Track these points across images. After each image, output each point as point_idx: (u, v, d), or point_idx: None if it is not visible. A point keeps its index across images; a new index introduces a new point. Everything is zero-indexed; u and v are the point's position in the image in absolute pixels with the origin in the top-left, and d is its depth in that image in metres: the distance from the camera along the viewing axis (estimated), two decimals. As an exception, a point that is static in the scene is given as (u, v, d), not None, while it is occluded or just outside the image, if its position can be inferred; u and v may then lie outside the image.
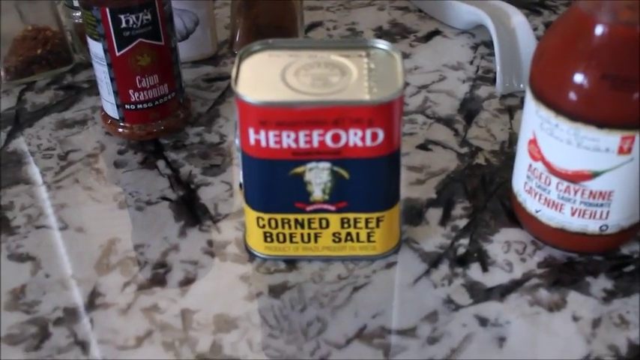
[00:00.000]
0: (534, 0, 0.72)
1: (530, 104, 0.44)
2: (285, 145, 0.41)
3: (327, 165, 0.42)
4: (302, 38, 0.64)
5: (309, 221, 0.44)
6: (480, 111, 0.58)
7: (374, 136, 0.41)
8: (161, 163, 0.54)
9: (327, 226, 0.44)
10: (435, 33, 0.68)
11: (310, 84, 0.42)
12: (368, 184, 0.43)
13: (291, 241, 0.45)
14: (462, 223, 0.49)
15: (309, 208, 0.44)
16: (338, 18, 0.70)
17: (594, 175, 0.43)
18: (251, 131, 0.41)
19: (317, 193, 0.43)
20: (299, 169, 0.42)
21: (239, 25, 0.64)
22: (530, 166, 0.45)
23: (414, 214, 0.50)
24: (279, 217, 0.44)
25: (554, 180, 0.44)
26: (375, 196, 0.44)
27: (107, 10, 0.50)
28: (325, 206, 0.44)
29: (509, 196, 0.50)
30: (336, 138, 0.41)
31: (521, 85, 0.60)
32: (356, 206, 0.44)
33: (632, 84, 0.40)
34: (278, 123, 0.41)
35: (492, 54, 0.64)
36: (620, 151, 0.41)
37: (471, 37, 0.67)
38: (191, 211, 0.50)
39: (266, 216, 0.44)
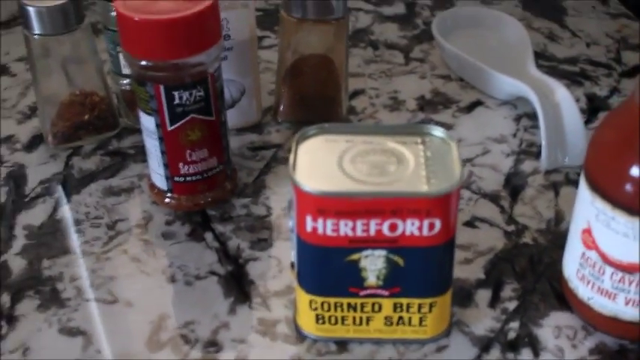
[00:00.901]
0: (574, 70, 0.72)
1: (585, 193, 0.44)
2: (342, 233, 0.42)
3: (382, 253, 0.42)
4: (357, 123, 0.65)
5: (362, 305, 0.44)
6: (525, 187, 0.59)
7: (431, 227, 0.41)
8: (209, 236, 0.55)
9: (380, 310, 0.45)
10: (477, 103, 0.68)
11: (367, 172, 0.42)
12: (422, 271, 0.43)
13: (342, 324, 0.45)
14: (511, 305, 0.49)
15: (362, 293, 0.44)
16: (380, 86, 0.70)
17: (650, 267, 0.43)
18: (308, 219, 0.41)
19: (371, 279, 0.43)
20: (354, 257, 0.42)
21: (283, 94, 0.65)
22: (584, 254, 0.45)
23: (464, 296, 0.50)
24: (332, 300, 0.44)
25: (609, 270, 0.44)
26: (429, 283, 0.44)
27: (161, 87, 0.51)
28: (379, 291, 0.44)
29: (558, 278, 0.50)
30: (393, 227, 0.41)
31: (566, 160, 0.60)
32: (409, 292, 0.44)
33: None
34: (336, 212, 0.41)
35: (535, 127, 0.64)
36: (678, 244, 0.41)
37: (513, 108, 0.67)
38: (240, 287, 0.51)
39: (319, 299, 0.44)
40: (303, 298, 0.45)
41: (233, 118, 0.64)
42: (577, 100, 0.68)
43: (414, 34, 0.79)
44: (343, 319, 0.45)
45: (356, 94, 0.70)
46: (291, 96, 0.65)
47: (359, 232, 0.41)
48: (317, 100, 0.65)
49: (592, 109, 0.67)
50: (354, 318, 0.45)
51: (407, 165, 0.43)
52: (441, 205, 0.41)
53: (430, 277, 0.44)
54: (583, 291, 0.46)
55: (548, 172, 0.60)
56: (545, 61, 0.74)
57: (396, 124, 0.41)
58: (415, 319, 0.45)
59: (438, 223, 0.41)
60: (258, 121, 0.66)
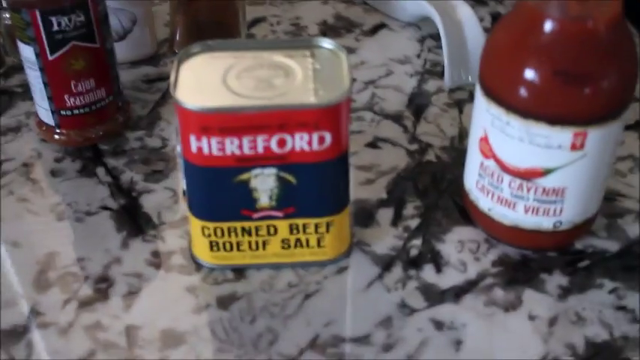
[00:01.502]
0: (479, -10, 0.71)
1: (481, 101, 0.43)
2: (228, 151, 0.39)
3: (273, 171, 0.40)
4: (244, 39, 0.62)
5: (257, 229, 0.43)
6: (429, 106, 0.57)
7: (321, 140, 0.39)
8: (100, 171, 0.52)
9: (276, 232, 0.43)
10: (381, 26, 0.66)
11: (253, 87, 0.40)
12: (316, 188, 0.41)
13: (238, 250, 0.44)
14: (413, 223, 0.48)
15: (256, 216, 0.42)
16: (281, 13, 0.68)
17: (547, 172, 0.42)
18: (192, 138, 0.39)
19: (264, 200, 0.42)
20: (244, 176, 0.41)
21: (179, 23, 0.62)
22: (482, 164, 0.44)
23: (365, 216, 0.48)
24: (225, 225, 0.42)
25: (507, 178, 0.43)
26: (324, 201, 0.42)
27: (37, 12, 0.48)
28: (273, 213, 0.42)
29: (461, 193, 0.49)
30: (281, 143, 0.39)
31: (470, 79, 0.59)
32: (304, 212, 0.42)
33: (583, 80, 0.39)
34: (220, 129, 0.39)
35: (439, 47, 0.63)
36: (573, 147, 0.41)
37: (418, 29, 0.66)
38: (133, 220, 0.48)
39: (211, 225, 0.42)
40: (195, 225, 0.43)
41: (126, 50, 0.61)
42: (481, 20, 0.67)
43: (317, -40, 0.76)
44: (238, 244, 0.43)
45: (257, 21, 0.67)
46: (187, 24, 0.62)
47: (246, 150, 0.39)
48: (214, 27, 0.62)
49: (497, 27, 0.66)
50: (250, 243, 0.43)
51: (294, 78, 0.41)
52: (329, 116, 0.39)
53: (325, 194, 0.42)
54: (483, 202, 0.45)
55: (452, 90, 0.59)
56: (450, -17, 0.72)
57: (285, 38, 0.39)
58: (313, 240, 0.43)
59: (328, 137, 0.39)
60: (153, 53, 0.63)
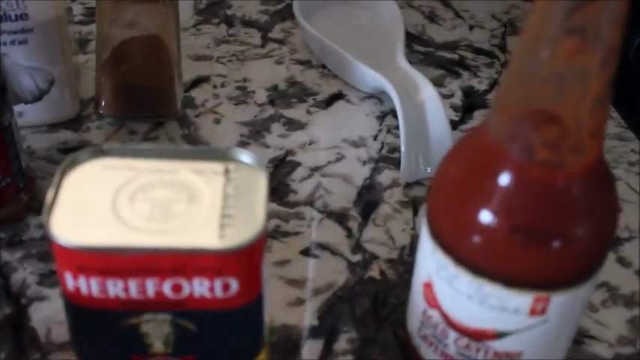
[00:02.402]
0: (453, 58, 0.64)
1: (426, 241, 0.35)
2: (112, 294, 0.32)
3: (167, 317, 0.33)
4: (147, 143, 0.54)
5: None
6: (380, 203, 0.50)
7: (225, 287, 0.32)
8: (-11, 266, 0.44)
9: None
10: (338, 96, 0.59)
11: (147, 215, 0.33)
12: (220, 337, 0.34)
13: None
14: (345, 361, 0.41)
15: None
16: (228, 72, 0.60)
17: (500, 335, 0.35)
18: (68, 276, 0.32)
19: (157, 346, 0.34)
20: (133, 321, 0.33)
21: (105, 84, 0.54)
22: (425, 312, 0.37)
23: (289, 348, 0.41)
24: None
25: (453, 334, 0.36)
26: (231, 350, 0.35)
27: None
28: (168, 359, 0.35)
29: (403, 325, 0.41)
30: (176, 288, 0.32)
31: (429, 170, 0.52)
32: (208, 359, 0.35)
33: (546, 239, 0.32)
34: (100, 271, 0.31)
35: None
36: (532, 312, 0.33)
37: (379, 103, 0.58)
38: (16, 337, 0.41)
39: None
40: None
41: (42, 112, 0.53)
42: (452, 95, 0.60)
43: (277, 10, 0.69)
44: None
45: (199, 81, 0.59)
46: (114, 86, 0.54)
47: (133, 294, 0.32)
48: (145, 90, 0.55)
49: (468, 106, 0.59)
50: None
51: (199, 205, 0.33)
52: (235, 262, 0.32)
53: (231, 344, 0.35)
54: (425, 352, 0.38)
55: (408, 184, 0.52)
56: (422, 46, 0.65)
57: (196, 148, 0.33)
58: None
59: (234, 284, 0.32)
60: (74, 115, 0.55)
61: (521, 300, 0.33)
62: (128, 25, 0.52)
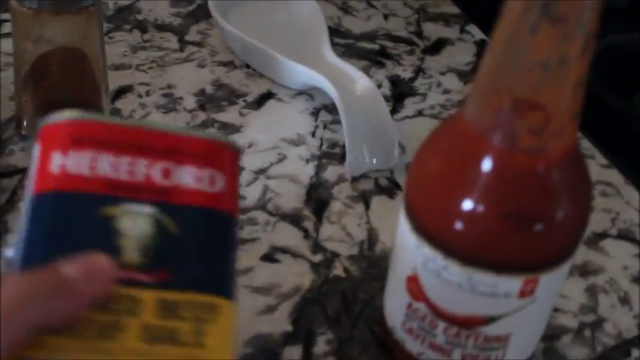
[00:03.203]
0: (374, 48, 0.64)
1: (409, 236, 0.35)
2: (100, 172, 0.30)
3: (149, 210, 0.30)
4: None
5: (112, 299, 0.28)
6: (331, 201, 0.50)
7: (212, 181, 0.32)
8: None
9: (137, 311, 0.28)
10: (268, 96, 0.58)
11: None
12: (202, 247, 0.30)
13: (73, 336, 0.27)
14: (327, 363, 0.40)
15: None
16: (151, 79, 0.58)
17: (490, 320, 0.35)
18: (56, 156, 0.30)
19: (130, 252, 0.29)
20: (111, 210, 0.30)
21: (26, 103, 0.51)
22: (410, 305, 0.37)
23: (269, 358, 0.40)
24: None
25: (442, 324, 0.36)
26: (211, 270, 0.30)
27: None
28: (139, 276, 0.29)
29: (379, 321, 0.41)
30: (166, 173, 0.31)
31: (374, 162, 0.51)
32: (182, 281, 0.29)
33: (537, 224, 0.32)
34: (97, 141, 0.31)
35: (336, 122, 0.55)
36: (522, 294, 0.34)
37: (310, 99, 0.58)
38: None
39: None
40: None
41: (-39, 137, 0.50)
42: (379, 85, 0.60)
43: (189, 11, 0.67)
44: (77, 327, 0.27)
45: (122, 91, 0.57)
46: (37, 103, 0.51)
47: (122, 173, 0.31)
48: (70, 105, 0.52)
49: (397, 94, 0.59)
50: (96, 325, 0.27)
51: None
52: (226, 157, 0.33)
53: (213, 261, 0.30)
54: (412, 345, 0.38)
55: (355, 178, 0.51)
56: (341, 39, 0.65)
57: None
58: (188, 333, 0.28)
59: (220, 180, 0.32)
60: (-5, 138, 0.52)
61: (512, 284, 0.33)
62: (48, 38, 0.49)
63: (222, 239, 0.31)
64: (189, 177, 0.31)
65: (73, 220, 0.29)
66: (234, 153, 0.33)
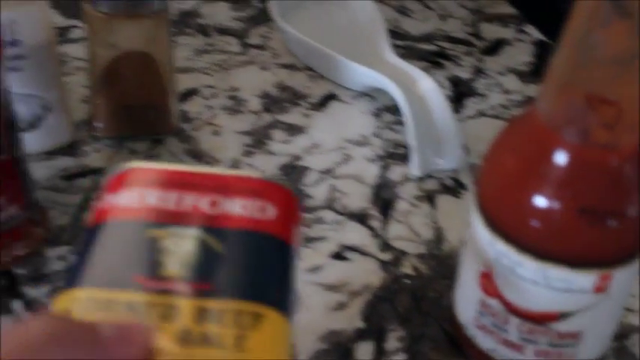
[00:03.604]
0: (433, 49, 0.65)
1: (482, 232, 0.36)
2: (147, 203, 0.31)
3: (194, 232, 0.30)
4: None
5: (148, 306, 0.28)
6: (397, 200, 0.50)
7: (262, 209, 0.31)
8: (18, 305, 0.43)
9: (174, 317, 0.28)
10: (330, 97, 0.59)
11: None
12: (243, 269, 0.30)
13: None
14: (399, 359, 0.41)
15: (153, 286, 0.29)
16: (216, 82, 0.60)
17: (563, 315, 0.35)
18: (107, 197, 0.31)
19: (172, 266, 0.29)
20: (157, 232, 0.30)
21: (99, 105, 0.53)
22: (483, 302, 0.37)
23: (341, 353, 0.41)
24: (101, 295, 0.28)
25: (515, 320, 0.36)
26: (256, 280, 0.30)
27: None
28: (177, 286, 0.29)
29: (450, 319, 0.42)
30: (214, 204, 0.31)
31: (439, 162, 0.52)
32: (224, 291, 0.29)
33: (612, 218, 0.32)
34: (146, 182, 0.31)
35: (398, 122, 0.56)
36: (597, 290, 0.34)
37: (372, 100, 0.59)
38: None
39: (83, 294, 0.28)
40: (59, 303, 0.28)
41: (38, 140, 0.52)
42: (440, 86, 0.60)
43: (250, 15, 0.68)
44: None
45: (188, 94, 0.59)
46: (109, 106, 0.53)
47: (170, 205, 0.31)
48: (142, 108, 0.54)
49: (457, 95, 0.60)
50: None
51: None
52: (277, 192, 0.32)
53: (259, 273, 0.30)
54: (484, 341, 0.39)
55: (419, 178, 0.52)
56: (400, 40, 0.65)
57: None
58: (228, 337, 0.28)
59: (271, 209, 0.31)
60: (71, 140, 0.54)
61: (587, 279, 0.34)
62: (119, 43, 0.51)
63: (271, 258, 0.31)
64: (238, 207, 0.31)
65: (120, 242, 0.30)
66: (291, 195, 0.32)
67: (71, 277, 0.29)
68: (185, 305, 0.28)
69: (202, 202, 0.31)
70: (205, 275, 0.29)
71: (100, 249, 0.30)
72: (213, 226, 0.30)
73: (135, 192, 0.31)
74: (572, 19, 0.31)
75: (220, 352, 0.27)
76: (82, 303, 0.28)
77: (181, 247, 0.30)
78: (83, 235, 0.31)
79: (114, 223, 0.30)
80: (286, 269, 0.31)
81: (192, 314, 0.28)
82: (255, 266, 0.30)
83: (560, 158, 0.33)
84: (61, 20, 0.65)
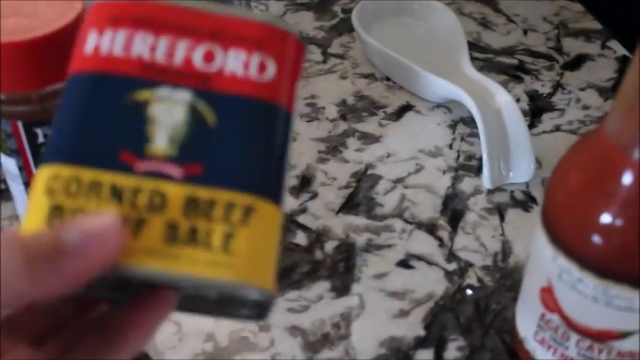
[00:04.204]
0: (513, 63, 0.65)
1: (545, 247, 0.36)
2: (134, 53, 0.28)
3: (186, 96, 0.27)
4: None
5: (135, 192, 0.26)
6: (466, 212, 0.51)
7: (261, 67, 0.28)
8: None
9: (163, 206, 0.26)
10: (407, 108, 0.60)
11: None
12: (242, 140, 0.27)
13: None
14: (457, 369, 0.41)
15: (140, 167, 0.26)
16: (295, 89, 0.61)
17: (624, 335, 0.35)
18: (92, 34, 0.28)
19: (160, 141, 0.27)
20: (143, 95, 0.27)
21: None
22: (544, 316, 0.38)
23: (401, 359, 0.42)
24: (86, 174, 0.26)
25: (575, 336, 0.36)
26: (249, 165, 0.27)
27: (19, 123, 0.41)
28: (166, 167, 0.26)
29: (510, 331, 0.42)
30: (208, 57, 0.28)
31: (510, 175, 0.52)
32: (215, 176, 0.27)
33: (676, 239, 0.32)
34: (135, 20, 0.28)
35: (473, 135, 0.56)
36: (658, 310, 0.34)
37: (447, 111, 0.59)
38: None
39: (67, 171, 0.26)
40: (40, 181, 0.26)
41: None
42: (517, 100, 0.60)
43: (332, 25, 0.69)
44: None
45: (268, 100, 0.60)
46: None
47: (159, 55, 0.28)
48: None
49: (535, 109, 0.60)
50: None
51: None
52: (278, 41, 0.28)
53: (252, 155, 0.27)
54: (543, 356, 0.39)
55: (490, 191, 0.52)
56: (480, 53, 0.66)
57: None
58: (217, 236, 0.26)
59: (271, 66, 0.28)
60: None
61: (649, 300, 0.34)
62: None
63: (268, 133, 0.28)
64: (234, 62, 0.27)
65: (103, 105, 0.27)
66: (296, 42, 0.29)
67: (54, 146, 0.27)
68: (174, 193, 0.26)
69: (196, 55, 0.27)
70: (196, 154, 0.27)
71: (84, 111, 0.27)
72: (206, 88, 0.27)
73: (122, 34, 0.27)
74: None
75: (205, 254, 0.26)
76: (64, 183, 0.26)
77: (171, 116, 0.27)
78: (65, 84, 0.28)
79: (98, 76, 0.27)
80: (284, 144, 0.28)
81: (181, 205, 0.26)
82: (250, 144, 0.27)
83: (626, 177, 0.33)
84: None
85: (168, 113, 0.27)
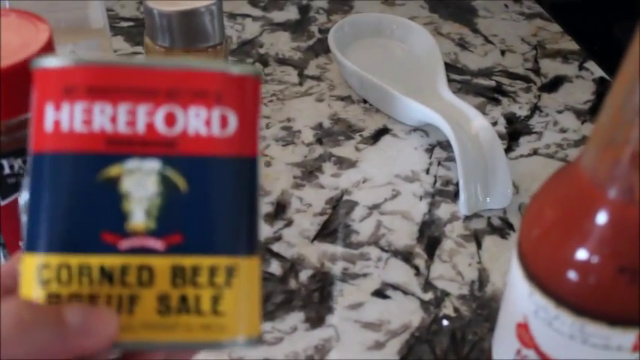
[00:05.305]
0: (490, 85, 0.64)
1: (521, 283, 0.35)
2: (96, 126, 0.27)
3: (155, 165, 0.27)
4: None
5: (123, 271, 0.27)
6: (443, 239, 0.50)
7: (223, 121, 0.28)
8: None
9: (151, 281, 0.27)
10: (384, 131, 0.59)
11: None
12: (215, 202, 0.28)
13: None
14: (433, 403, 0.41)
15: (124, 245, 0.27)
16: (271, 113, 0.61)
17: (601, 372, 0.35)
18: (49, 109, 0.27)
19: (137, 217, 0.27)
20: (113, 171, 0.27)
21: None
22: (520, 351, 0.37)
23: (376, 394, 0.41)
24: (74, 260, 0.27)
25: (551, 373, 0.36)
26: (225, 228, 0.28)
27: (-14, 154, 0.40)
28: (149, 242, 0.27)
29: (487, 363, 0.42)
30: (170, 119, 0.27)
31: (487, 201, 0.52)
32: (196, 243, 0.28)
33: (653, 278, 0.32)
34: (90, 89, 0.27)
35: (450, 159, 0.56)
36: (635, 348, 0.34)
37: (425, 135, 0.59)
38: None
39: (55, 260, 0.27)
40: (28, 268, 0.27)
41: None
42: (495, 123, 0.60)
43: (309, 45, 0.69)
44: (92, 302, 0.27)
45: (243, 124, 0.59)
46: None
47: (121, 126, 0.27)
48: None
49: (512, 132, 0.59)
50: (111, 299, 0.27)
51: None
52: (236, 89, 0.28)
53: (226, 216, 0.28)
54: (519, 391, 0.38)
55: (467, 217, 0.52)
56: (458, 75, 0.65)
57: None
58: (205, 300, 0.27)
59: (232, 119, 0.28)
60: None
61: (626, 337, 0.33)
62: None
63: (238, 189, 0.28)
64: (196, 122, 0.27)
65: (75, 186, 0.27)
66: (253, 83, 0.28)
67: (35, 233, 0.27)
68: (160, 266, 0.27)
69: (157, 119, 0.27)
70: (174, 224, 0.27)
71: (58, 195, 0.27)
72: (172, 154, 0.27)
73: (80, 106, 0.27)
74: (617, 80, 0.30)
75: (197, 319, 0.27)
76: (55, 272, 0.27)
77: (144, 189, 0.28)
78: (30, 161, 0.27)
79: (65, 157, 0.27)
80: (254, 192, 0.29)
81: (168, 276, 0.27)
82: (223, 205, 0.28)
83: (602, 216, 0.32)
84: (126, 47, 0.67)
85: (140, 186, 0.27)
